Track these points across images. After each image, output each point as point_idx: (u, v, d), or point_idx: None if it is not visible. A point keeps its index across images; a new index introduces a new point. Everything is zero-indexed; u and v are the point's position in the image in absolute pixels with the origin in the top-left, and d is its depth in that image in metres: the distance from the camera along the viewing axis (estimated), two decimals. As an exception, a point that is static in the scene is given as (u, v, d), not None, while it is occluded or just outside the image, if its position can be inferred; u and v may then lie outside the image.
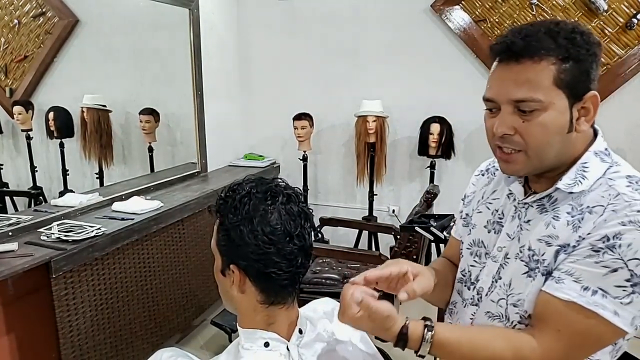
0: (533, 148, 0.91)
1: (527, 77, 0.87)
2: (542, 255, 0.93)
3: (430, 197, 2.47)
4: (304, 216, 0.95)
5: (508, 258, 1.01)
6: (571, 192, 0.93)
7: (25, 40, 2.95)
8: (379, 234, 3.29)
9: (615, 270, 0.84)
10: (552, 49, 0.86)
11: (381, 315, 0.89)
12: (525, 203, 1.00)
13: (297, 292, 0.99)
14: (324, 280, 2.52)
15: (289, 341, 0.97)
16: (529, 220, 0.99)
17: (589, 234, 0.88)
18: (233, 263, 0.93)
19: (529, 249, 0.96)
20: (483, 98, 0.95)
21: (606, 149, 0.96)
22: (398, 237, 2.63)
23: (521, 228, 0.99)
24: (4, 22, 2.84)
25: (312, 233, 0.97)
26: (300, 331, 1.00)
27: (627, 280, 0.84)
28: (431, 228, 2.08)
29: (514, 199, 1.04)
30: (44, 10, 2.98)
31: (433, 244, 2.91)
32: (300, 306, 1.06)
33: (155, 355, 1.18)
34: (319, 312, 1.09)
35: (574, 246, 0.89)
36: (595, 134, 0.98)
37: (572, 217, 0.91)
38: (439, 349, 0.92)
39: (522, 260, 0.97)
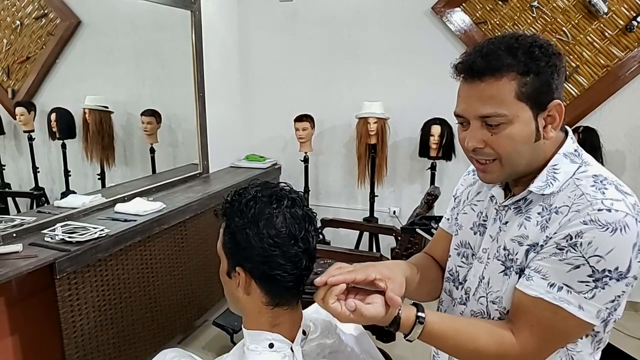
0: (505, 157, 0.95)
1: (490, 93, 0.92)
2: (516, 254, 0.99)
3: (431, 198, 2.48)
4: (308, 219, 0.96)
5: (489, 258, 1.06)
6: (543, 194, 0.97)
7: (27, 42, 2.96)
8: (380, 235, 3.31)
9: (577, 267, 0.89)
10: (512, 64, 0.91)
11: (376, 319, 0.91)
12: (505, 206, 1.05)
13: (302, 294, 1.01)
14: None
15: (292, 342, 0.98)
16: (506, 222, 1.04)
17: (555, 233, 0.93)
18: (239, 265, 0.95)
19: (504, 249, 1.01)
20: (454, 113, 1.00)
21: (576, 150, 1.00)
22: (399, 238, 2.64)
23: (500, 229, 1.05)
24: (7, 23, 2.86)
25: (316, 236, 0.99)
26: (304, 332, 1.01)
27: (589, 276, 0.89)
28: (432, 230, 2.09)
29: (495, 202, 1.08)
30: (46, 11, 3.00)
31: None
32: (302, 308, 1.07)
33: (159, 355, 1.20)
34: (322, 313, 1.10)
35: (542, 245, 0.95)
36: (567, 135, 1.02)
37: (542, 217, 0.96)
38: (428, 338, 0.96)
39: (498, 260, 1.02)
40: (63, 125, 3.05)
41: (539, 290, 0.93)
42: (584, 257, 0.88)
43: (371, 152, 3.41)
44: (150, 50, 3.38)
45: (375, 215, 3.60)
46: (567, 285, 0.90)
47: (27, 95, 2.96)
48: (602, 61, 3.02)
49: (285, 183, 1.00)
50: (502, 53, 0.91)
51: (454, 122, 3.29)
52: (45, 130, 3.00)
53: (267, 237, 0.91)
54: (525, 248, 0.97)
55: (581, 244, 0.88)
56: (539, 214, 0.97)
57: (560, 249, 0.91)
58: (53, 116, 3.01)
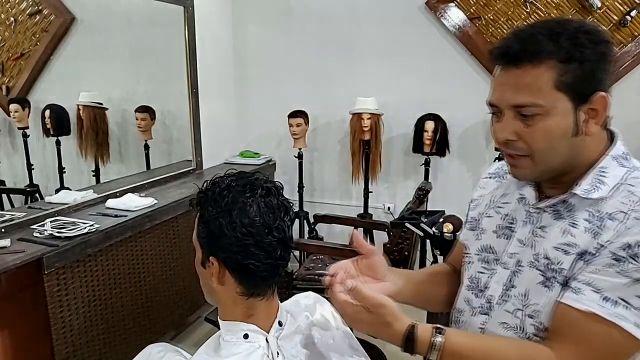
0: (537, 153, 0.89)
1: (526, 81, 0.86)
2: (559, 264, 0.90)
3: (422, 193, 2.48)
4: (284, 209, 0.96)
5: (521, 266, 0.97)
6: (588, 198, 0.90)
7: (21, 38, 2.96)
8: (374, 231, 3.30)
9: (637, 280, 0.82)
10: (552, 51, 0.84)
11: (374, 302, 0.86)
12: (539, 208, 0.97)
13: (277, 285, 1.01)
14: (316, 277, 2.53)
15: (268, 333, 0.98)
16: (543, 227, 0.95)
17: (609, 241, 0.85)
18: (212, 255, 0.94)
19: (545, 257, 0.92)
20: (486, 103, 0.94)
21: (625, 153, 0.93)
22: (391, 233, 2.63)
23: (535, 234, 0.96)
24: (1, 20, 2.86)
25: (292, 226, 0.98)
26: (280, 323, 1.01)
27: None
28: (421, 224, 2.09)
29: (526, 204, 1.01)
30: (40, 8, 2.99)
31: (428, 241, 2.91)
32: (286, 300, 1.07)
33: (145, 350, 1.20)
34: (301, 305, 1.10)
35: (593, 254, 0.86)
36: (612, 137, 0.96)
37: (591, 223, 0.88)
38: (449, 355, 0.88)
39: (537, 269, 0.93)
40: (57, 121, 3.04)
41: (591, 305, 0.84)
42: None
43: (365, 148, 3.40)
44: (144, 47, 3.38)
45: (370, 211, 3.59)
46: (623, 300, 0.82)
47: (21, 92, 2.95)
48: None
49: (260, 173, 0.99)
50: (542, 38, 0.85)
51: (447, 118, 3.30)
52: (39, 127, 3.00)
53: (240, 226, 0.90)
54: (573, 257, 0.88)
55: None
56: (586, 219, 0.89)
57: (617, 260, 0.83)
58: (47, 113, 3.00)
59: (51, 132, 3.04)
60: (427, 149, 3.27)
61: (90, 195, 2.52)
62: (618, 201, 0.87)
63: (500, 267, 1.02)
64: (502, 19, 3.14)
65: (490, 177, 1.17)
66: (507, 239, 1.02)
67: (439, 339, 0.87)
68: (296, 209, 3.66)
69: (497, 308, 1.00)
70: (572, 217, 0.91)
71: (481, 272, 1.06)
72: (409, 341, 0.87)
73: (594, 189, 0.90)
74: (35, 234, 2.02)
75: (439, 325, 0.89)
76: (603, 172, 0.91)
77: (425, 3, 3.26)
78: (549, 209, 0.96)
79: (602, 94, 0.87)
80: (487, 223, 1.09)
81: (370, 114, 3.28)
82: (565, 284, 0.89)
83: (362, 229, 3.30)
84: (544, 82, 0.85)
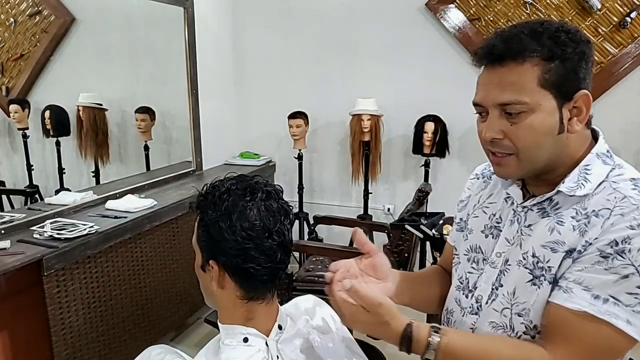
0: (523, 151, 0.89)
1: (511, 79, 0.87)
2: (547, 262, 0.90)
3: (422, 195, 2.48)
4: (284, 213, 0.96)
5: (509, 265, 0.97)
6: (573, 195, 0.90)
7: (21, 39, 2.95)
8: (374, 232, 3.30)
9: (626, 276, 0.82)
10: (535, 49, 0.85)
11: (372, 302, 0.86)
12: (525, 206, 0.98)
13: (277, 288, 1.00)
14: (316, 279, 2.53)
15: (268, 337, 0.98)
16: (529, 225, 0.96)
17: (596, 238, 0.85)
18: (212, 258, 0.94)
19: (533, 256, 0.93)
20: (472, 103, 0.95)
21: (608, 151, 0.94)
22: (390, 235, 2.64)
23: (521, 233, 0.97)
24: (0, 20, 2.85)
25: (292, 229, 0.98)
26: (280, 327, 1.01)
27: (639, 287, 0.82)
28: (421, 226, 2.08)
29: (512, 203, 1.01)
30: (40, 8, 2.98)
31: (428, 243, 2.91)
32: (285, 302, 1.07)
33: (145, 352, 1.20)
34: (301, 308, 1.10)
35: (580, 251, 0.87)
36: (595, 135, 0.97)
37: (577, 221, 0.89)
38: (445, 355, 0.88)
39: (525, 268, 0.94)
40: (57, 122, 3.04)
41: (581, 304, 0.84)
42: (633, 266, 0.81)
43: (365, 149, 3.40)
44: (144, 47, 3.38)
45: (370, 212, 3.59)
46: (613, 298, 0.82)
47: (21, 92, 2.95)
48: (595, 58, 2.99)
49: (260, 176, 0.99)
50: (524, 37, 0.86)
51: (447, 119, 3.30)
52: (39, 127, 2.99)
53: (240, 229, 0.90)
54: (561, 254, 0.89)
55: (630, 251, 0.81)
56: (572, 217, 0.89)
57: (604, 257, 0.83)
58: (47, 114, 2.99)
59: (51, 133, 3.03)
60: (426, 150, 3.27)
61: (90, 196, 2.52)
62: (603, 198, 0.88)
63: (488, 267, 1.02)
64: (502, 20, 3.14)
65: (476, 178, 1.19)
66: (494, 238, 1.03)
67: (436, 338, 0.88)
68: (296, 210, 3.66)
69: (485, 307, 1.01)
70: (558, 215, 0.92)
71: (470, 272, 1.07)
72: (405, 340, 0.88)
73: (579, 186, 0.90)
74: (34, 236, 2.02)
75: (436, 325, 0.90)
76: (587, 169, 0.92)
77: (425, 4, 3.26)
78: (535, 207, 0.96)
79: (584, 92, 0.88)
80: (475, 223, 1.10)
81: (370, 115, 3.28)
82: (554, 282, 0.90)
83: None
84: (528, 79, 0.86)
